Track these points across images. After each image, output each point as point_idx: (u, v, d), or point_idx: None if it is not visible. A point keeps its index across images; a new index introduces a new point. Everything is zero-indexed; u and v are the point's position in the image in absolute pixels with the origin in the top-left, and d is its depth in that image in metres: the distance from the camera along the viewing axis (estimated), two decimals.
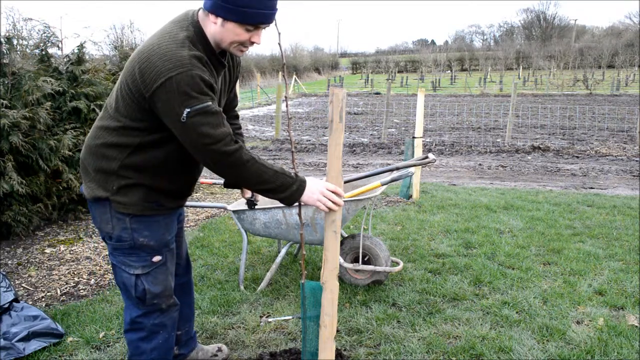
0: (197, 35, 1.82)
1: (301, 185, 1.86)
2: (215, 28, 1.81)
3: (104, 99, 5.19)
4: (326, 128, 13.57)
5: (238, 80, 2.24)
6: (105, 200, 1.94)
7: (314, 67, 49.34)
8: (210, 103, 1.74)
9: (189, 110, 1.70)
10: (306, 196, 1.86)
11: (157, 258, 2.01)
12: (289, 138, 11.73)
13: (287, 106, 2.04)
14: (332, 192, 1.86)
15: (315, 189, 1.85)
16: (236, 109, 2.35)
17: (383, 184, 3.28)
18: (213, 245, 4.38)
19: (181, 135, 1.77)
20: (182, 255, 2.41)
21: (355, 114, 17.41)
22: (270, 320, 2.44)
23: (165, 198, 1.98)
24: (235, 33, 1.79)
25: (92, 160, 1.95)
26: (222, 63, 1.92)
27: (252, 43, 1.85)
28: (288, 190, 1.85)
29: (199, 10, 1.88)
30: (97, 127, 1.96)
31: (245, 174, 1.81)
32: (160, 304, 2.06)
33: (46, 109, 4.53)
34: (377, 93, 26.65)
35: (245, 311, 3.13)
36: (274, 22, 1.84)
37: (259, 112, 17.93)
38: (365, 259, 3.46)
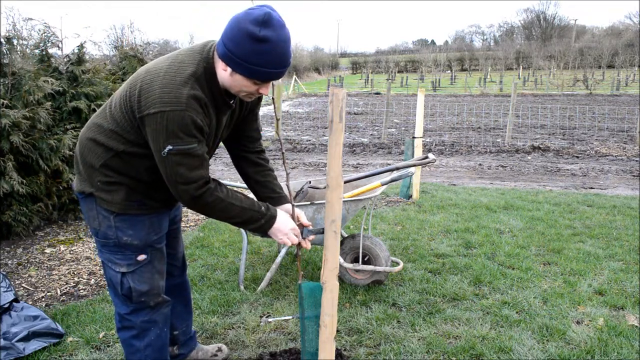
0: (206, 73, 1.83)
1: (269, 221, 1.98)
2: (224, 75, 1.82)
3: (104, 99, 5.19)
4: (326, 128, 13.57)
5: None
6: (90, 195, 1.96)
7: (314, 67, 49.39)
8: (195, 145, 1.77)
9: (170, 147, 1.73)
10: (275, 229, 2.00)
11: (142, 257, 2.02)
12: (288, 138, 11.72)
13: (275, 109, 2.05)
14: (295, 234, 2.05)
15: (286, 228, 2.01)
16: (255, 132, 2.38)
17: (383, 184, 3.29)
18: (213, 245, 4.38)
19: (159, 164, 1.82)
20: (178, 256, 2.41)
21: (355, 114, 17.41)
22: (270, 320, 2.45)
23: (148, 198, 1.98)
24: (244, 85, 1.82)
25: (82, 153, 1.98)
26: (229, 104, 1.93)
27: (260, 94, 1.88)
28: (256, 223, 1.96)
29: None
30: (92, 122, 1.99)
31: (208, 211, 1.90)
32: (148, 302, 2.07)
33: (46, 109, 4.53)
34: (377, 93, 26.66)
35: (245, 311, 3.13)
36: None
37: (259, 112, 17.89)
38: (365, 259, 3.46)
